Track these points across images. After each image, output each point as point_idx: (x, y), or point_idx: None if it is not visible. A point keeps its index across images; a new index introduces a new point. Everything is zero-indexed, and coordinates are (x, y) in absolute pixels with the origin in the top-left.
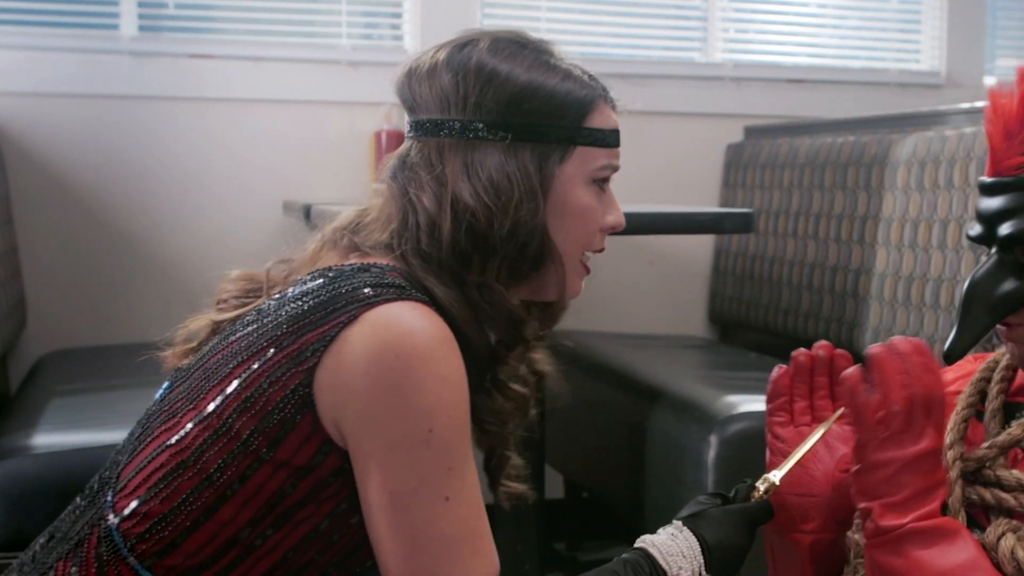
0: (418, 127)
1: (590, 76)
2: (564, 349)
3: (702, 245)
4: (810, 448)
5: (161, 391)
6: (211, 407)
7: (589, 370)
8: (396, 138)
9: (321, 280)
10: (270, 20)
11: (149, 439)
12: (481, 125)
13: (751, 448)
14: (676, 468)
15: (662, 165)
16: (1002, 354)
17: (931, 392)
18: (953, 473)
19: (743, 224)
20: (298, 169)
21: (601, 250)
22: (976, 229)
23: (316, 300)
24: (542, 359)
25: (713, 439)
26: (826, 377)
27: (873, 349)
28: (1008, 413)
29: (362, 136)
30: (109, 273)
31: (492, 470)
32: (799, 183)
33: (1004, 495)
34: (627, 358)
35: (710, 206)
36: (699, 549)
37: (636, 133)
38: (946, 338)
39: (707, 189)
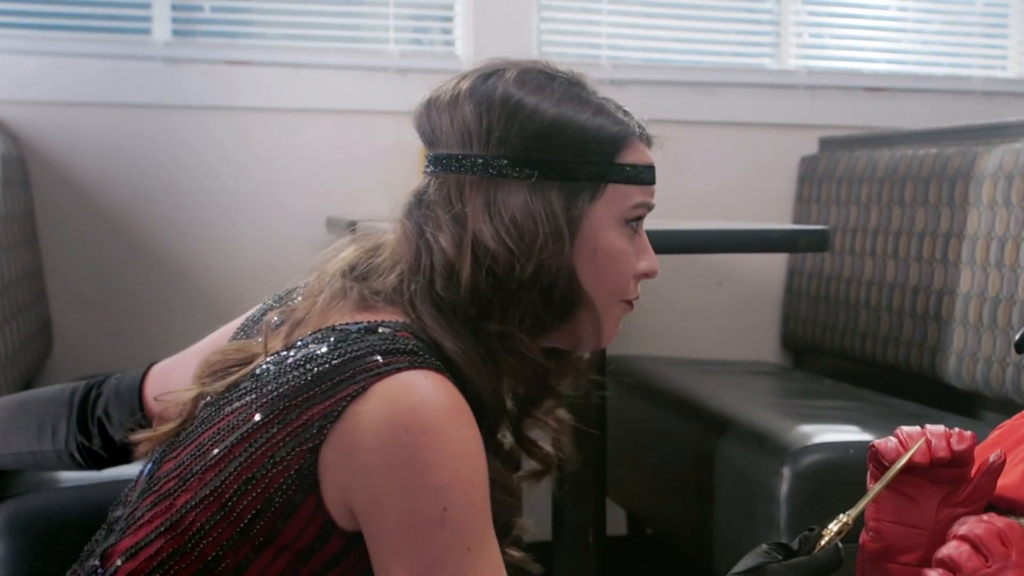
0: (437, 162)
1: (624, 112)
2: (626, 378)
3: (774, 265)
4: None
5: (148, 467)
6: (207, 489)
7: (653, 398)
8: None
9: (325, 346)
10: (312, 24)
11: (141, 522)
12: (505, 161)
13: (826, 482)
14: (746, 503)
15: (731, 179)
16: None
17: None
18: None
19: (818, 242)
20: (342, 183)
21: (636, 298)
22: None
23: (321, 369)
24: (562, 415)
25: (786, 472)
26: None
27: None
28: None
29: (411, 148)
30: (140, 295)
31: (497, 534)
32: (878, 198)
33: None
34: (694, 385)
35: (783, 223)
36: None
37: (703, 145)
38: None
39: (779, 205)
